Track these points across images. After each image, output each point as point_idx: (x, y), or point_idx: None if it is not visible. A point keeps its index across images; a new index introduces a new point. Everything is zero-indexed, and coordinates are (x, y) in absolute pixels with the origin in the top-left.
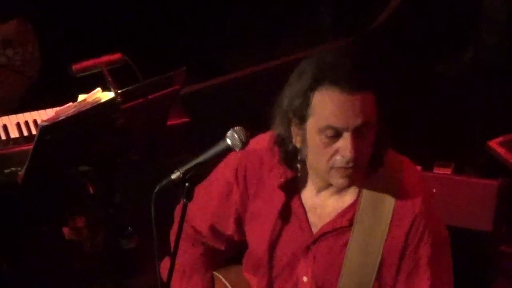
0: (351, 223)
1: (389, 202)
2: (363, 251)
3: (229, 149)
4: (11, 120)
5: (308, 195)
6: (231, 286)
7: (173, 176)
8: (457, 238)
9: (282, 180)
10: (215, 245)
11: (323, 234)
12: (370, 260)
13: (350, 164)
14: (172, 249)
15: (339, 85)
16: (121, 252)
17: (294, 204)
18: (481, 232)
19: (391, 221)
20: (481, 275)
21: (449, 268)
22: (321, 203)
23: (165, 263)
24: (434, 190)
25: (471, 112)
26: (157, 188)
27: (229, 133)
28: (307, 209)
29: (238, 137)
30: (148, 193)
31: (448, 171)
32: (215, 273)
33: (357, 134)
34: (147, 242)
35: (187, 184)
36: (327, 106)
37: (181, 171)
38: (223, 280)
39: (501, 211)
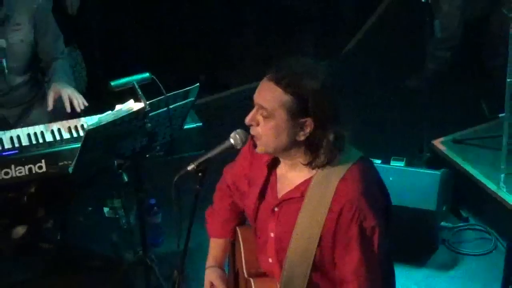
0: (302, 195)
1: (333, 183)
2: (310, 219)
3: (232, 147)
4: (64, 125)
5: (281, 168)
6: (242, 239)
7: (189, 168)
8: (408, 215)
9: (268, 159)
10: (237, 201)
11: (283, 201)
12: (314, 228)
13: (250, 130)
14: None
15: (269, 73)
16: (149, 226)
17: (272, 176)
18: (426, 211)
19: (332, 200)
20: (426, 244)
21: (377, 250)
22: (286, 176)
23: (208, 210)
24: (391, 179)
25: (420, 117)
26: (176, 177)
27: (232, 134)
28: (277, 179)
29: (239, 137)
30: (170, 181)
31: (401, 164)
32: (237, 228)
33: (259, 111)
34: (169, 219)
35: (200, 174)
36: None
37: (195, 164)
38: (239, 233)
39: (442, 195)
